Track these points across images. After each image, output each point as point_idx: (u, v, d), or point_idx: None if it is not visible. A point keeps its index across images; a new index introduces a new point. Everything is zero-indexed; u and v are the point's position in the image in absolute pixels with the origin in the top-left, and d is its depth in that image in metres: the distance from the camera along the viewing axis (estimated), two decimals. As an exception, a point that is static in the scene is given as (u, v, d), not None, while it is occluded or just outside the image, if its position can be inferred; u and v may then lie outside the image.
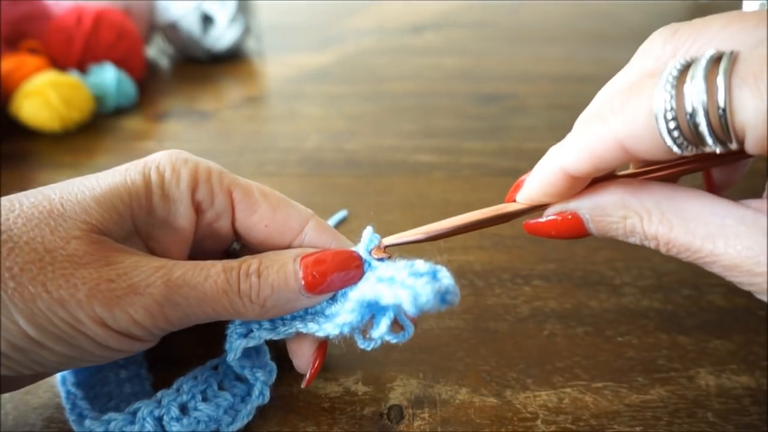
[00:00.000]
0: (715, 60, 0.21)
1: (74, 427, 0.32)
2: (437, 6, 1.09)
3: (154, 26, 0.87)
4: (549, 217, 0.28)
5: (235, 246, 0.37)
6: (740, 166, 0.31)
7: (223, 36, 0.85)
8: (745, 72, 0.20)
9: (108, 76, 0.71)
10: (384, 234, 0.32)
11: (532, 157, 0.28)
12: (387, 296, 0.28)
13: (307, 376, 0.33)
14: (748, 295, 0.25)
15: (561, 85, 0.76)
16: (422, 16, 1.05)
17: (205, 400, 0.32)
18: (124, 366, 0.36)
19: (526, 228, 0.30)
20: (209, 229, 0.33)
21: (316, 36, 0.96)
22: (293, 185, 0.57)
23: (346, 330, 0.30)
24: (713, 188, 0.31)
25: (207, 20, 0.85)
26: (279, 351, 0.35)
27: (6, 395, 0.35)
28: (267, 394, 0.33)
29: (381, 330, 0.29)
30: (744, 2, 0.50)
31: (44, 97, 0.65)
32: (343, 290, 0.31)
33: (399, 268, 0.29)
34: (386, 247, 0.32)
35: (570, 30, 0.95)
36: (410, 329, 0.31)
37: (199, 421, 0.31)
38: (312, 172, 0.59)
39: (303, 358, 0.33)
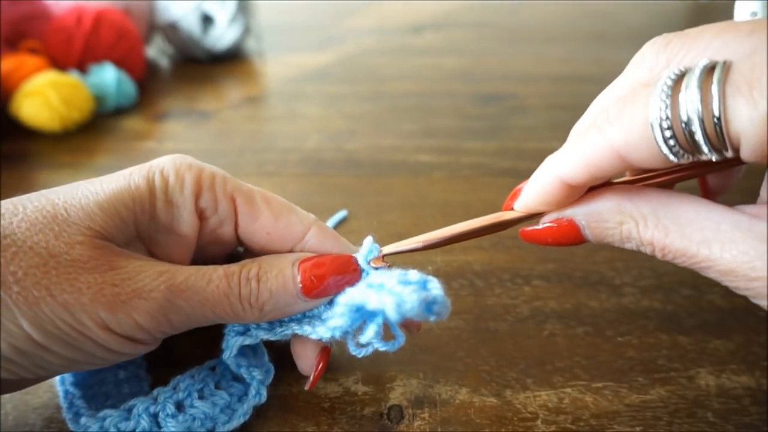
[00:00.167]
0: (709, 69, 0.21)
1: (70, 425, 0.32)
2: (437, 6, 1.09)
3: (154, 26, 0.87)
4: (545, 224, 0.29)
5: (239, 248, 0.37)
6: (735, 171, 0.31)
7: (223, 36, 0.85)
8: (738, 81, 0.21)
9: (108, 76, 0.71)
10: (384, 233, 0.32)
11: (532, 157, 0.28)
12: (373, 301, 0.28)
13: (311, 378, 0.33)
14: (748, 296, 0.25)
15: (561, 85, 0.76)
16: (422, 16, 1.05)
17: (201, 398, 0.32)
18: (123, 366, 0.36)
19: (523, 236, 0.30)
20: (213, 236, 0.33)
21: (316, 36, 0.96)
22: (293, 185, 0.57)
23: (337, 334, 0.30)
24: (708, 194, 0.31)
25: (207, 20, 0.85)
26: (278, 351, 0.35)
27: (6, 395, 0.35)
28: (264, 393, 0.33)
29: (368, 335, 0.29)
30: (736, 2, 0.49)
31: (44, 97, 0.65)
32: (340, 295, 0.32)
33: (392, 276, 0.30)
34: (385, 256, 0.32)
35: (570, 30, 0.95)
36: (401, 338, 0.31)
37: (194, 419, 0.31)
38: (312, 172, 0.59)
39: (307, 361, 0.33)
